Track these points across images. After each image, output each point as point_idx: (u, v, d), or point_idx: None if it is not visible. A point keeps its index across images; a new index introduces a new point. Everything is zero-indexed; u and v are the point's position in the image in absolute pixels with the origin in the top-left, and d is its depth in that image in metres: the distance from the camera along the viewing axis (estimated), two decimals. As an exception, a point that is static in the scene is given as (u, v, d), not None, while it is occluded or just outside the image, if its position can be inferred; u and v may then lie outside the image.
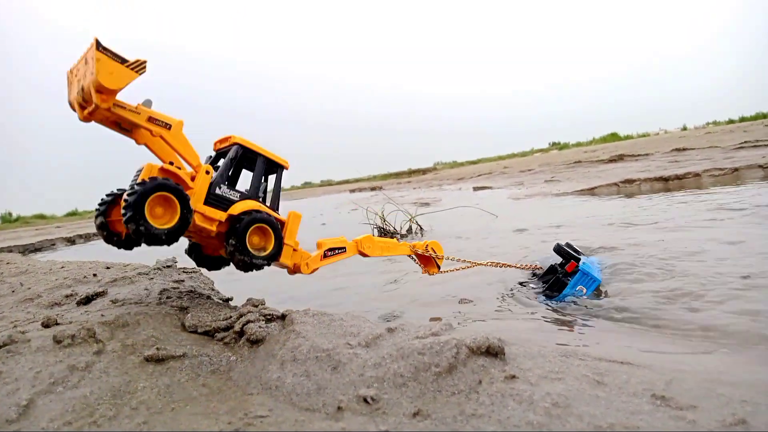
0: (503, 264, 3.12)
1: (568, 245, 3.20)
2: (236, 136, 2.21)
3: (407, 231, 6.46)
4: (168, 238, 1.86)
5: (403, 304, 3.02)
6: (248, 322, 1.80)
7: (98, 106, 1.72)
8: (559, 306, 2.57)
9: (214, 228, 2.08)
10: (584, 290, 2.71)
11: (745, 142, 11.03)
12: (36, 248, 10.55)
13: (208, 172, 2.06)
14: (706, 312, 2.19)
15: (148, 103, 1.91)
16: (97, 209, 2.12)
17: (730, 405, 1.23)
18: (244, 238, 2.07)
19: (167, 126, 1.93)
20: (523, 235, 5.03)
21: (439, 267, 2.98)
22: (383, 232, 6.31)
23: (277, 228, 2.20)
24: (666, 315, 2.23)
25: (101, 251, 8.50)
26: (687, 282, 2.62)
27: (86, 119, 1.83)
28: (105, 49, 1.67)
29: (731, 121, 27.02)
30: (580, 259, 2.89)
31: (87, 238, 12.12)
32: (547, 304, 2.63)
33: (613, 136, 30.88)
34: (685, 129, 28.64)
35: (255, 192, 2.25)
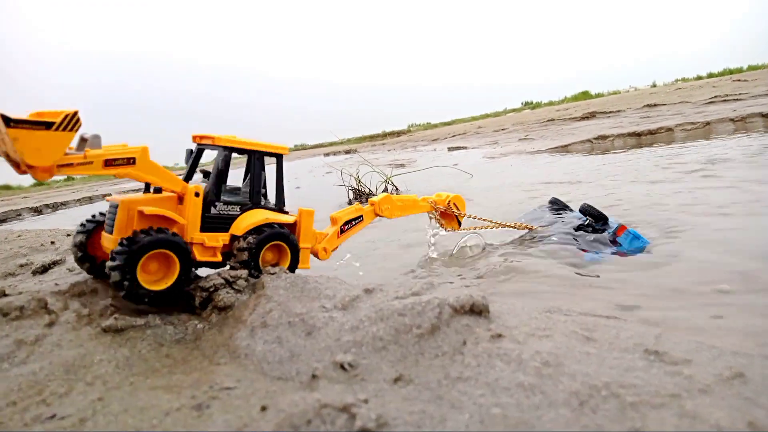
0: (525, 226, 2.96)
1: (556, 200, 3.18)
2: (220, 137, 1.85)
3: (383, 192, 6.34)
4: (159, 300, 1.61)
5: (383, 264, 2.94)
6: (216, 288, 1.68)
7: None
8: (541, 264, 2.52)
9: (218, 257, 1.83)
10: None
11: (715, 96, 11.12)
12: (1, 219, 10.02)
13: (197, 194, 1.75)
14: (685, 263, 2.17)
15: (96, 140, 1.52)
16: (80, 227, 1.83)
17: (722, 357, 1.18)
18: (257, 260, 1.81)
19: (131, 161, 1.60)
20: (500, 192, 4.99)
21: (460, 224, 2.84)
22: (358, 194, 6.18)
23: (294, 243, 1.92)
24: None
25: (67, 220, 8.16)
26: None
27: (25, 173, 1.47)
28: (18, 121, 1.29)
29: (699, 77, 27.22)
30: (608, 219, 2.82)
31: (54, 207, 11.58)
32: (527, 263, 2.57)
33: (585, 95, 30.81)
34: (654, 86, 28.75)
35: (257, 196, 1.94)
